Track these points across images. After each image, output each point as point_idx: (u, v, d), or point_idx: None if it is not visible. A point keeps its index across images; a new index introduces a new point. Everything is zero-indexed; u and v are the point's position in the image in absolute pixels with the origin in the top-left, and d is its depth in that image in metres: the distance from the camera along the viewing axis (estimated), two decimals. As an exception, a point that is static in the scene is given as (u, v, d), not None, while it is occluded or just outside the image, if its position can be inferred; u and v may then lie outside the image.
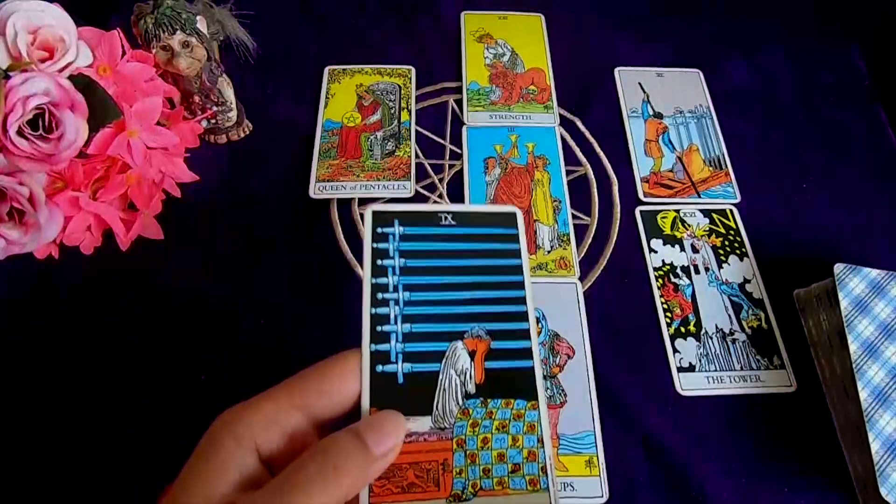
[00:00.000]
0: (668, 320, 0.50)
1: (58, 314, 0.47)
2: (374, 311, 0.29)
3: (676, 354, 0.48)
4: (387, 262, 0.30)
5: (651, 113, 0.62)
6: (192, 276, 0.50)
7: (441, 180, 0.56)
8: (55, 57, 0.43)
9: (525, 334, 0.30)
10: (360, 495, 0.25)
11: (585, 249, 0.53)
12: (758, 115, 0.62)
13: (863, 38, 0.68)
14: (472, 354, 0.29)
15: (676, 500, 0.42)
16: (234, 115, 0.56)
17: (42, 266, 0.48)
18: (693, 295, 0.51)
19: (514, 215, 0.33)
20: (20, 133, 0.40)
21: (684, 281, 0.52)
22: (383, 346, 0.28)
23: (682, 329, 0.49)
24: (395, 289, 0.30)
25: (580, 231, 0.54)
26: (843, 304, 0.44)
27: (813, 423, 0.46)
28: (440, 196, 0.55)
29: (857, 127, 0.62)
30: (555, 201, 0.55)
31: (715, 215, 0.55)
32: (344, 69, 0.62)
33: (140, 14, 0.47)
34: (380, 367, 0.28)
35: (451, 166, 0.57)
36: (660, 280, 0.51)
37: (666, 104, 0.62)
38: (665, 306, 0.50)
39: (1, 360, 0.45)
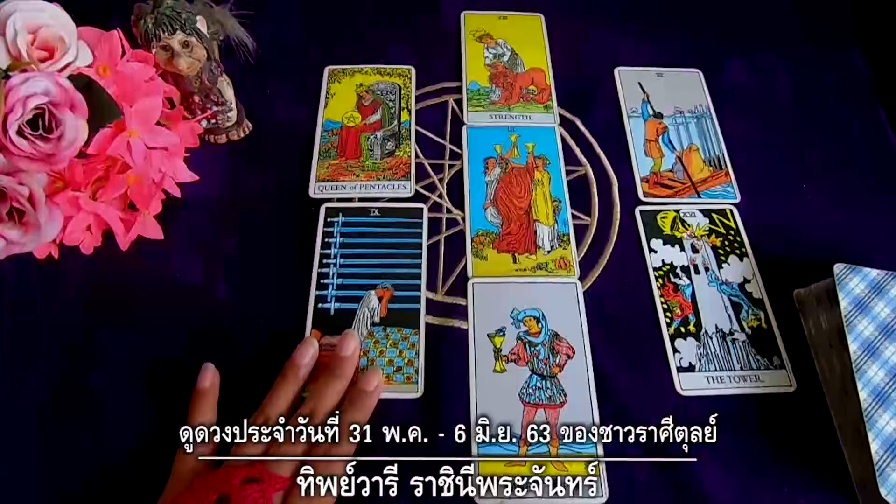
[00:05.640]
0: (668, 320, 0.50)
1: (58, 314, 0.47)
2: (319, 270, 0.49)
3: (676, 354, 0.48)
4: (331, 240, 0.50)
5: (651, 113, 0.62)
6: (192, 276, 0.50)
7: (441, 180, 0.56)
8: (55, 57, 0.43)
9: (417, 287, 0.48)
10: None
11: (585, 249, 0.53)
12: (758, 115, 0.62)
13: (863, 38, 0.68)
14: (380, 299, 0.47)
15: (676, 500, 0.42)
16: (234, 115, 0.56)
17: (42, 266, 0.48)
18: (693, 295, 0.51)
19: (421, 210, 0.52)
20: (20, 133, 0.40)
21: (684, 281, 0.52)
22: (322, 292, 0.48)
23: (682, 329, 0.49)
24: (335, 257, 0.49)
25: (580, 231, 0.54)
26: (843, 304, 0.44)
27: (813, 423, 0.46)
28: (440, 196, 0.55)
29: (857, 127, 0.62)
30: (555, 201, 0.55)
31: (715, 215, 0.55)
32: (344, 69, 0.62)
33: (140, 14, 0.47)
34: (320, 305, 0.47)
35: (451, 166, 0.57)
36: (660, 280, 0.51)
37: (666, 104, 0.62)
38: (665, 306, 0.50)
39: (0, 360, 0.45)
